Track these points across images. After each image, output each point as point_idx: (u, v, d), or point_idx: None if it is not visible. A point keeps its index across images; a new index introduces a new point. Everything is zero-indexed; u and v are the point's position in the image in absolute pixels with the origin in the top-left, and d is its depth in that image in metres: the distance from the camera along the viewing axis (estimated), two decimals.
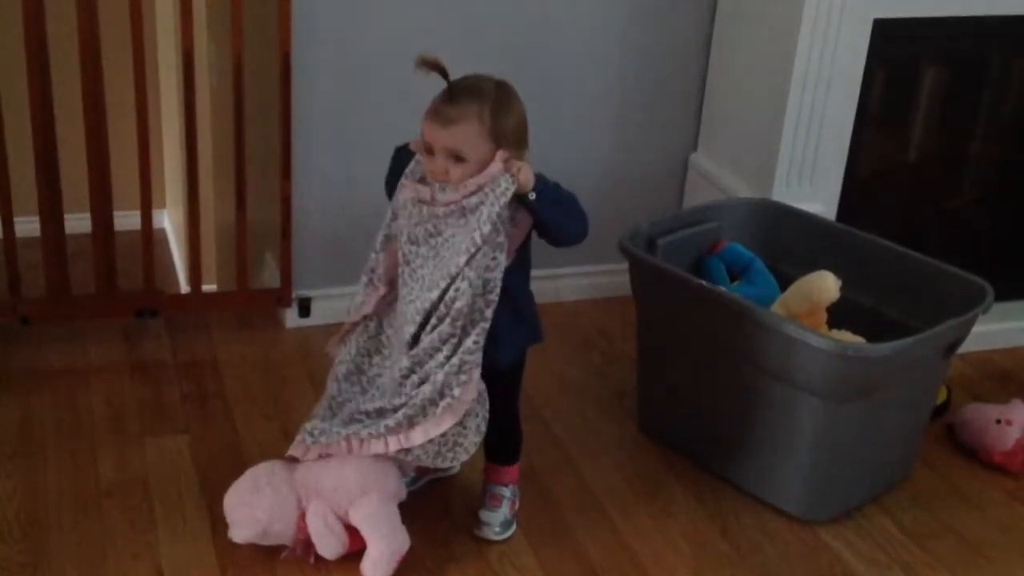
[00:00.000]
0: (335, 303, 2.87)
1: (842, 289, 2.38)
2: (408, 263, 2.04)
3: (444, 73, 1.96)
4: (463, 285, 1.96)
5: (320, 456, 2.07)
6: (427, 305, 1.99)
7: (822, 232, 2.62)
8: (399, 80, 2.73)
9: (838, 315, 2.42)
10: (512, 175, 1.94)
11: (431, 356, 2.00)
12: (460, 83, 1.97)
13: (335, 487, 2.05)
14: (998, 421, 2.54)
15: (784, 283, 2.50)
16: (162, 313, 2.79)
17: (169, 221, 4.57)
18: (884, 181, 3.03)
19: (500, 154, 1.96)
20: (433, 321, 1.99)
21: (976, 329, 2.36)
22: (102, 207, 2.67)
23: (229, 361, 2.72)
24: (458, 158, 1.96)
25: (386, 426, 2.02)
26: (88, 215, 2.68)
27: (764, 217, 2.67)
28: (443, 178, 1.97)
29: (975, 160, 3.07)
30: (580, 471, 2.45)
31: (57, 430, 2.42)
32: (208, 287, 3.35)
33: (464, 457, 2.07)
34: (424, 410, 2.00)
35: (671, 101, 3.04)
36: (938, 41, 2.83)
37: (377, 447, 2.03)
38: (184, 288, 3.98)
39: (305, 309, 2.87)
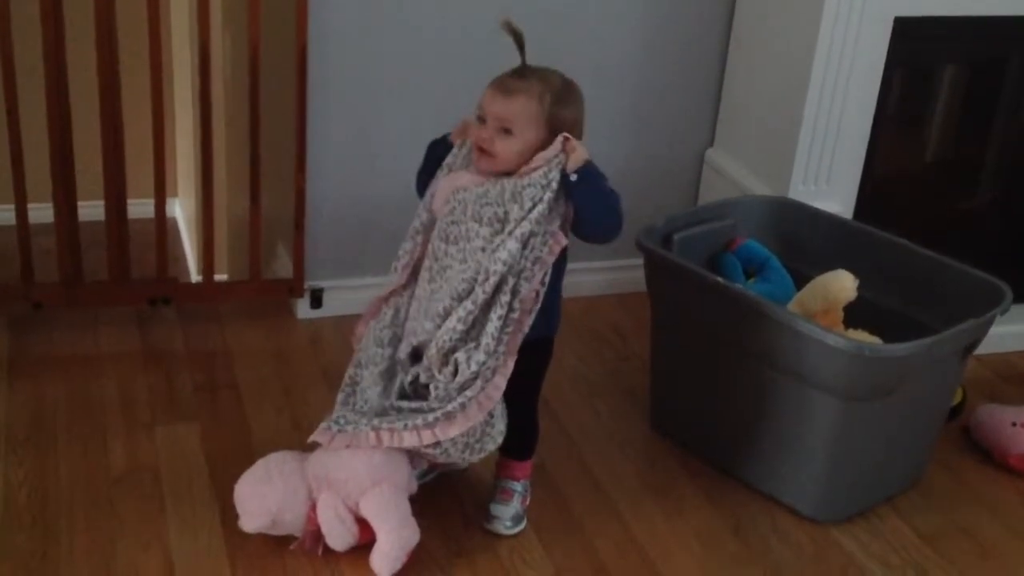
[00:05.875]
0: (347, 295, 2.87)
1: (858, 288, 2.37)
2: (437, 259, 2.04)
3: (521, 45, 1.97)
4: (497, 267, 1.95)
5: (347, 446, 2.04)
6: (450, 304, 1.99)
7: (839, 231, 2.61)
8: (414, 74, 2.73)
9: (853, 314, 2.41)
10: (565, 152, 1.95)
11: (458, 345, 1.99)
12: (533, 65, 1.99)
13: (346, 478, 2.04)
14: (1013, 424, 2.53)
15: (800, 282, 2.49)
16: (174, 301, 2.79)
17: (180, 211, 4.56)
18: (901, 180, 3.01)
19: (560, 137, 1.96)
20: (460, 311, 1.98)
21: (992, 330, 2.34)
22: (117, 195, 2.66)
23: (241, 351, 2.72)
24: (506, 131, 1.96)
25: (424, 420, 2.00)
26: (101, 203, 2.67)
27: (781, 215, 2.66)
28: (487, 146, 1.97)
29: (993, 160, 3.05)
30: (591, 467, 2.44)
31: (69, 417, 2.41)
32: (219, 277, 3.35)
33: (492, 447, 2.07)
34: (463, 406, 1.99)
35: (688, 96, 3.02)
36: (958, 41, 2.81)
37: (411, 440, 2.01)
38: (194, 277, 3.98)
39: (317, 300, 2.87)
